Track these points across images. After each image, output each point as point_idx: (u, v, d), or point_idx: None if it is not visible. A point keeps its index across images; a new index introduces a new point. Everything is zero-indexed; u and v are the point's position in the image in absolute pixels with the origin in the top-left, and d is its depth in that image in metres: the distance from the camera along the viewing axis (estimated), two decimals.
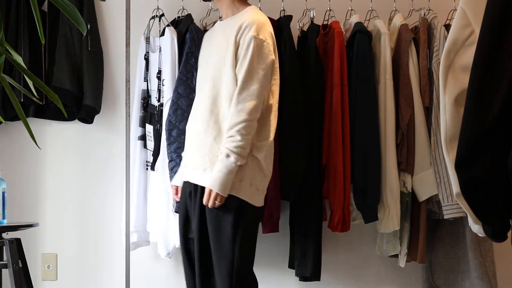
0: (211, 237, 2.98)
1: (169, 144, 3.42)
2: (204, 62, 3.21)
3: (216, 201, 2.90)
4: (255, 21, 3.00)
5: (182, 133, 3.37)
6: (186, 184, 3.14)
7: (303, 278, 3.59)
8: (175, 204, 3.44)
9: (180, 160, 3.31)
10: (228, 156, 2.89)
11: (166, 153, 3.44)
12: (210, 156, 2.99)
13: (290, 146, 3.48)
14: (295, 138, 3.47)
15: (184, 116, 3.37)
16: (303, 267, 3.54)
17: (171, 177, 3.38)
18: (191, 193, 3.09)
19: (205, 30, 3.55)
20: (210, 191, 2.91)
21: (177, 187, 3.29)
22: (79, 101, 3.77)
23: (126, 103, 3.72)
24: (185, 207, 3.15)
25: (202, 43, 3.34)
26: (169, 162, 3.42)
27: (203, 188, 2.98)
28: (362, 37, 3.56)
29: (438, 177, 3.47)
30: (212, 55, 3.13)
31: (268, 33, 3.02)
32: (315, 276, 3.54)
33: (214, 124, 3.01)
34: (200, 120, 3.07)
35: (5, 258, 3.20)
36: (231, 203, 2.94)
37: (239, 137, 2.89)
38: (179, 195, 3.25)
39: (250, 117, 2.91)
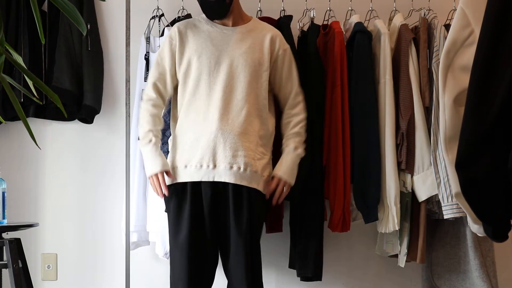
0: (254, 236, 3.11)
1: (163, 144, 3.42)
2: (214, 62, 3.15)
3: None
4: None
5: None
6: (208, 184, 3.08)
7: (305, 278, 3.59)
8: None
9: None
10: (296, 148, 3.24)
11: None
12: (255, 158, 3.12)
13: None
14: None
15: None
16: (305, 267, 3.54)
17: None
18: (223, 192, 3.08)
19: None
20: (285, 182, 3.18)
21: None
22: (79, 101, 3.77)
23: (126, 103, 3.72)
24: (200, 206, 3.09)
25: (191, 39, 3.20)
26: None
27: (249, 188, 3.09)
28: (362, 37, 3.56)
29: (438, 177, 3.47)
30: (232, 57, 3.15)
31: None
32: (317, 276, 3.54)
33: (256, 125, 3.14)
34: (240, 120, 3.10)
35: (5, 258, 3.20)
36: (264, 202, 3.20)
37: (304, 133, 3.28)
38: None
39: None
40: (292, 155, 3.22)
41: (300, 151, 3.24)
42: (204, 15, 3.27)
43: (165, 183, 3.10)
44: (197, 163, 3.09)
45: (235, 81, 3.14)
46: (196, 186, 3.09)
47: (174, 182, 3.13)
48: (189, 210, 3.08)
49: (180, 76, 3.19)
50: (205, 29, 3.22)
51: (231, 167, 3.07)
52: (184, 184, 3.11)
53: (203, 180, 3.08)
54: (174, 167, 3.15)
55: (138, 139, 3.65)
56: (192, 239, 3.07)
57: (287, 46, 3.29)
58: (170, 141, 3.25)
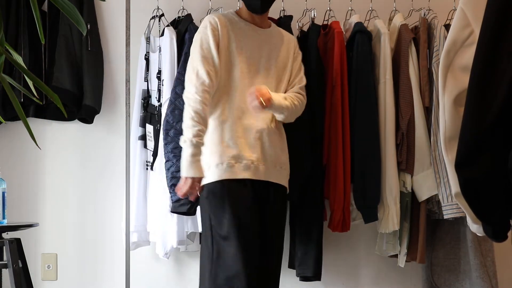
0: (280, 231, 3.18)
1: (166, 144, 3.41)
2: (253, 60, 3.15)
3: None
4: None
5: (179, 133, 3.37)
6: (252, 182, 3.06)
7: (304, 278, 3.59)
8: (171, 204, 3.42)
9: (177, 160, 3.29)
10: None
11: (163, 153, 3.43)
12: (286, 156, 3.18)
13: (293, 147, 3.48)
14: (298, 139, 3.46)
15: (182, 116, 3.36)
16: (305, 267, 3.54)
17: (168, 177, 3.36)
18: (264, 190, 3.08)
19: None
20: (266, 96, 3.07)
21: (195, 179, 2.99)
22: (79, 101, 3.77)
23: (126, 103, 3.72)
24: (243, 203, 3.05)
25: (233, 34, 3.13)
26: (165, 162, 3.41)
27: (281, 186, 3.14)
28: (362, 37, 3.56)
29: (438, 177, 3.47)
30: (268, 57, 3.18)
31: None
32: (316, 276, 3.54)
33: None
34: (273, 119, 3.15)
35: (5, 258, 3.20)
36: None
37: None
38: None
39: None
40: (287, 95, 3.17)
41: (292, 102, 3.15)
42: (233, 12, 3.23)
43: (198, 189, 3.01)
44: (243, 161, 3.04)
45: (270, 80, 3.16)
46: (240, 183, 3.04)
47: (215, 180, 3.05)
48: (232, 207, 2.99)
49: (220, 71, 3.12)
50: (241, 26, 3.18)
51: (275, 166, 3.11)
52: (229, 181, 3.03)
53: (248, 178, 3.05)
54: (216, 165, 3.05)
55: (138, 139, 3.67)
56: (242, 233, 2.98)
57: (300, 53, 3.32)
58: (206, 138, 3.08)
